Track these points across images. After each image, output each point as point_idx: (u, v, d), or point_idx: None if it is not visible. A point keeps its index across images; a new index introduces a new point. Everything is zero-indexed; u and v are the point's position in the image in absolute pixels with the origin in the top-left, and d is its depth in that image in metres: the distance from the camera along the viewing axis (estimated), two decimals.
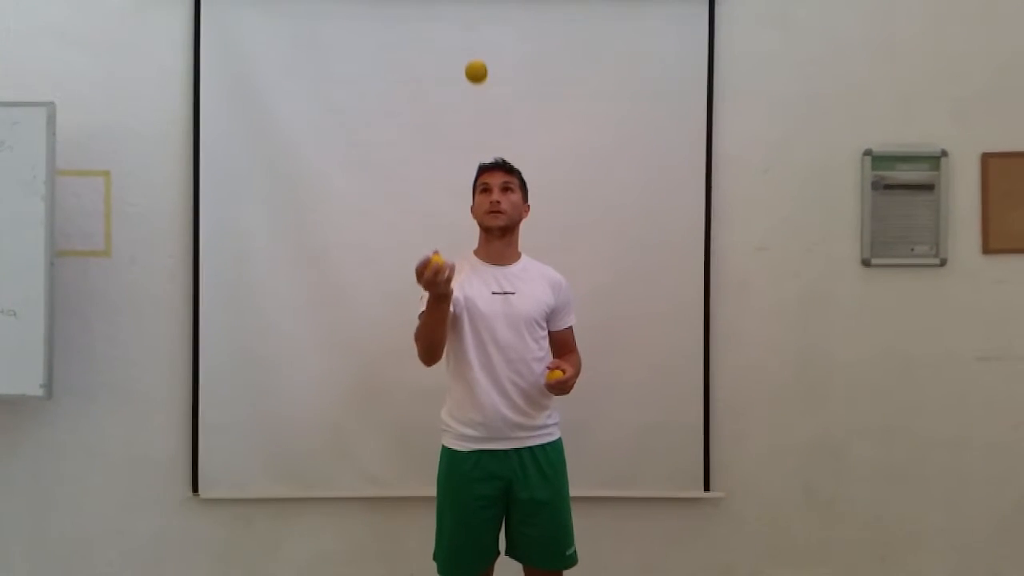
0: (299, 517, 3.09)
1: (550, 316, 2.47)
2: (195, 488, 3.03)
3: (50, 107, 2.81)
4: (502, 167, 2.47)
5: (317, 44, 3.01)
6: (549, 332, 2.49)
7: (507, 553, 2.46)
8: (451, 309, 2.28)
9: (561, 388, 2.32)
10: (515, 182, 2.46)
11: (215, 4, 3.00)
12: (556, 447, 2.47)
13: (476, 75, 2.28)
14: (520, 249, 2.53)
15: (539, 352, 2.42)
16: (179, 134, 3.03)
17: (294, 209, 3.02)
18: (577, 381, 2.40)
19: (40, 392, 2.82)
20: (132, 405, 3.05)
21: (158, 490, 3.06)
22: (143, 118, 3.02)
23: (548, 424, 2.45)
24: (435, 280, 2.07)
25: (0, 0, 3.01)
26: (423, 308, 2.29)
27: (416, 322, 2.32)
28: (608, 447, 3.05)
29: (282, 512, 3.08)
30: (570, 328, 2.55)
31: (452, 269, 2.09)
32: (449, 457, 2.42)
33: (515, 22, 3.03)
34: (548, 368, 2.34)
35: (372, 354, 3.00)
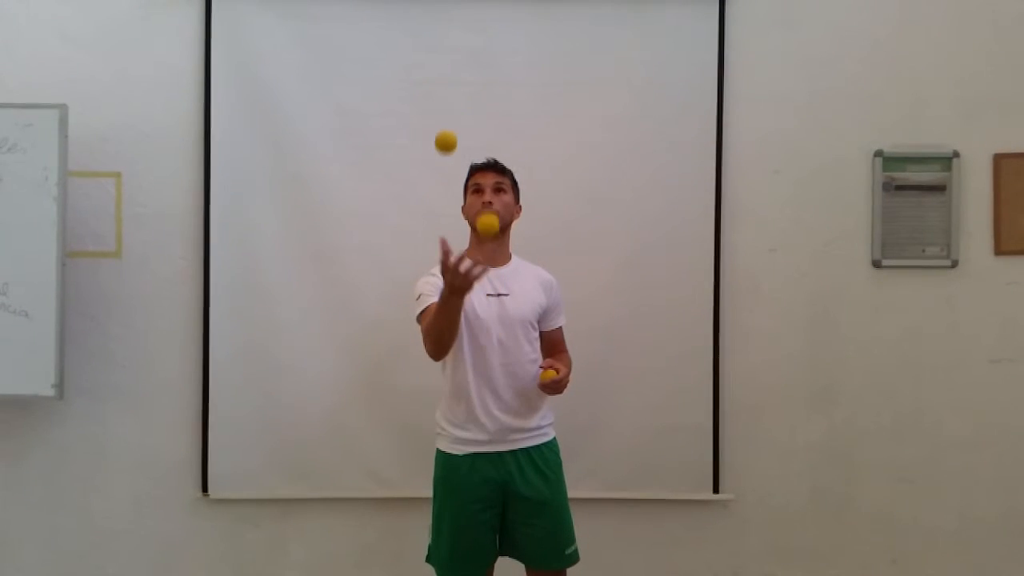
0: (308, 517, 3.09)
1: (542, 317, 2.46)
2: (205, 488, 3.05)
3: (62, 109, 2.83)
4: (494, 167, 2.45)
5: (327, 45, 3.02)
6: (540, 332, 2.48)
7: (504, 553, 2.45)
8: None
9: (555, 388, 2.31)
10: (507, 183, 2.45)
11: (225, 5, 3.01)
12: (552, 447, 2.46)
13: (446, 145, 2.23)
14: (522, 250, 2.52)
15: (532, 354, 2.41)
16: (189, 135, 3.04)
17: (303, 210, 3.02)
18: (584, 381, 2.39)
19: (51, 392, 2.84)
20: (143, 405, 3.06)
21: (168, 490, 3.07)
22: (154, 120, 3.04)
23: (543, 425, 2.44)
24: (467, 276, 2.06)
25: (11, 3, 3.03)
26: (420, 308, 2.32)
27: (415, 324, 2.34)
28: (617, 448, 3.04)
29: (291, 512, 3.09)
30: (560, 328, 2.53)
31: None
32: (444, 461, 2.41)
33: (524, 23, 3.02)
34: (541, 368, 2.33)
35: (380, 355, 3.01)
